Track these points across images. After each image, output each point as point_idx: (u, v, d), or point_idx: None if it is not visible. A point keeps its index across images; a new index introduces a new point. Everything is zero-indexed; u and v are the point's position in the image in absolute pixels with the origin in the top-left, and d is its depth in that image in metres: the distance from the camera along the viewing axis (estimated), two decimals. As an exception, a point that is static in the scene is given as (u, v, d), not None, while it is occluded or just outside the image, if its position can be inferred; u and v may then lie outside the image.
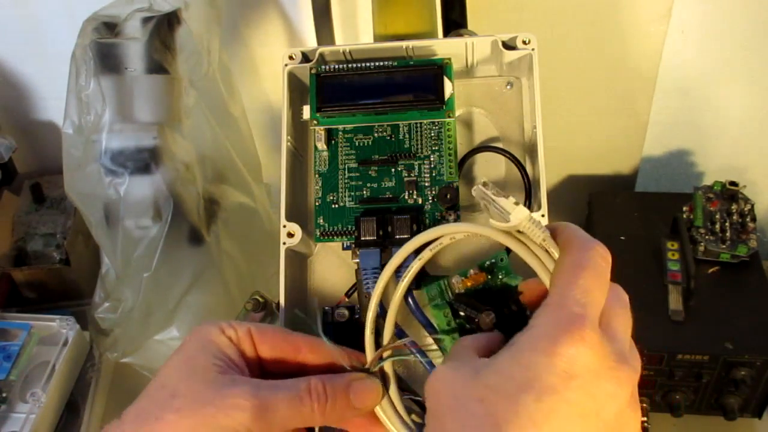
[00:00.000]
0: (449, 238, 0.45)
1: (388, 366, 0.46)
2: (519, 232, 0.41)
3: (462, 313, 0.44)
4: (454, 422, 0.36)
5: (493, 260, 0.45)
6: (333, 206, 0.55)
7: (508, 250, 0.45)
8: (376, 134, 0.55)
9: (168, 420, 0.38)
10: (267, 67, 0.95)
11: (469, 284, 0.45)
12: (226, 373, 0.41)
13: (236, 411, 0.38)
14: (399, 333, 0.49)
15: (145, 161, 0.73)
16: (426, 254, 0.46)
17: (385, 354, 0.45)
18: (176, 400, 0.39)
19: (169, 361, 0.42)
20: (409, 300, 0.52)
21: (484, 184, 0.43)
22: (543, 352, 0.35)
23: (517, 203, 0.41)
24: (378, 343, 0.46)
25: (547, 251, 0.41)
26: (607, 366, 0.36)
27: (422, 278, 0.53)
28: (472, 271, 0.45)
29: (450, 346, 0.43)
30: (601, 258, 0.38)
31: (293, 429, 0.42)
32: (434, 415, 0.37)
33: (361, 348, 0.47)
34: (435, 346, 0.46)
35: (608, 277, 0.39)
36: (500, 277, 0.45)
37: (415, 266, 0.46)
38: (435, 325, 0.45)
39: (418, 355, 0.46)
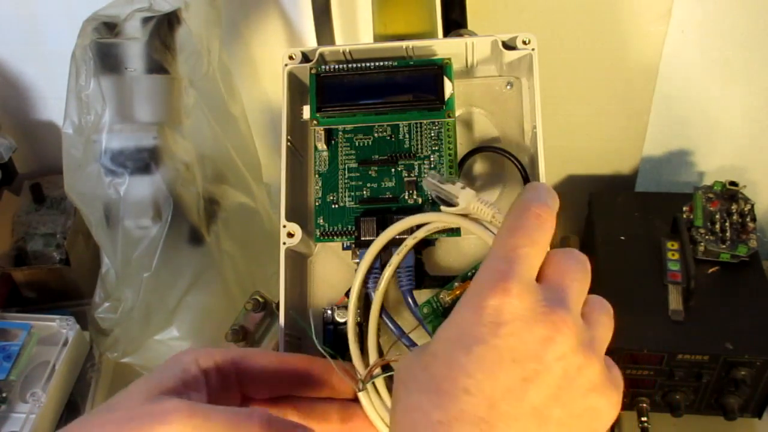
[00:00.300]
0: (412, 238, 0.48)
1: (380, 382, 0.46)
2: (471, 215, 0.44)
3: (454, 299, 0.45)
4: (403, 391, 0.37)
5: (474, 270, 0.46)
6: (333, 206, 0.55)
7: None
8: (376, 134, 0.55)
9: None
10: (267, 67, 0.94)
11: (458, 293, 0.46)
12: (172, 394, 0.40)
13: (165, 426, 0.37)
14: (399, 331, 0.49)
15: (145, 161, 0.73)
16: (394, 260, 0.48)
17: (375, 371, 0.46)
18: (110, 414, 0.39)
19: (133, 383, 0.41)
20: (409, 300, 0.52)
21: (431, 176, 0.46)
22: (471, 308, 0.36)
23: (463, 187, 0.44)
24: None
25: (497, 227, 0.42)
26: (538, 312, 0.36)
27: (423, 278, 0.53)
28: (456, 283, 0.46)
29: None
30: (535, 218, 0.39)
31: None
32: (393, 393, 0.39)
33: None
34: None
35: (543, 234, 0.39)
36: None
37: (387, 274, 0.48)
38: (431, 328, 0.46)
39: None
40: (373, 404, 0.46)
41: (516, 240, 0.38)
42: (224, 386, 0.44)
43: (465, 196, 0.44)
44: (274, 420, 0.39)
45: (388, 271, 0.48)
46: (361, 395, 0.46)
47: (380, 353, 0.48)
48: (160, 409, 0.38)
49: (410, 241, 0.48)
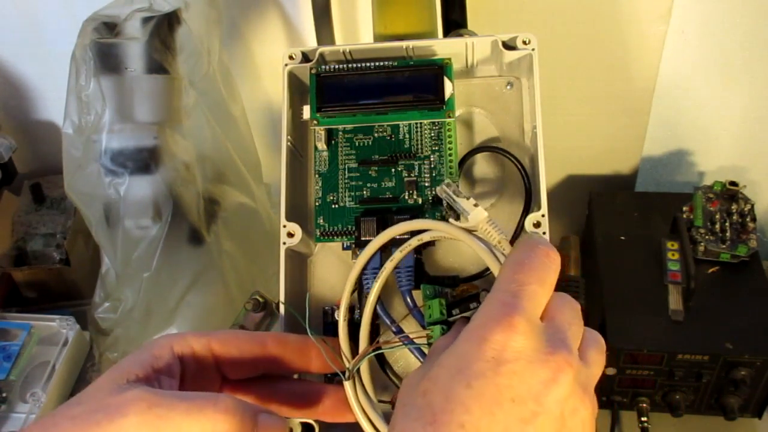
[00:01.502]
0: (416, 239, 0.47)
1: (365, 374, 0.46)
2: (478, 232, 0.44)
3: (459, 300, 0.45)
4: (401, 416, 0.37)
5: (481, 272, 0.48)
6: (333, 206, 0.55)
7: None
8: (376, 134, 0.55)
9: (63, 426, 0.38)
10: (267, 67, 0.94)
11: (464, 287, 0.46)
12: (141, 382, 0.40)
13: (123, 419, 0.37)
14: (397, 329, 0.49)
15: (145, 161, 0.73)
16: (397, 255, 0.48)
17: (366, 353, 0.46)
18: (77, 407, 0.39)
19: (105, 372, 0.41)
20: (408, 299, 0.52)
21: (447, 185, 0.46)
22: (475, 341, 0.36)
23: (476, 205, 0.44)
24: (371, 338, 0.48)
25: (502, 253, 0.43)
26: (542, 352, 0.36)
27: (421, 278, 0.53)
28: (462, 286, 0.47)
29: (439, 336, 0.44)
30: (544, 255, 0.39)
31: None
32: (393, 413, 0.38)
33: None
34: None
35: (550, 274, 0.39)
36: None
37: (388, 268, 0.48)
38: (427, 318, 0.45)
39: (411, 349, 0.46)
40: (357, 394, 0.46)
41: (525, 276, 0.38)
42: (201, 370, 0.44)
43: (476, 216, 0.44)
44: (239, 406, 0.39)
45: (390, 265, 0.48)
46: (346, 384, 0.46)
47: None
48: (120, 401, 0.38)
49: (414, 242, 0.48)
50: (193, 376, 0.43)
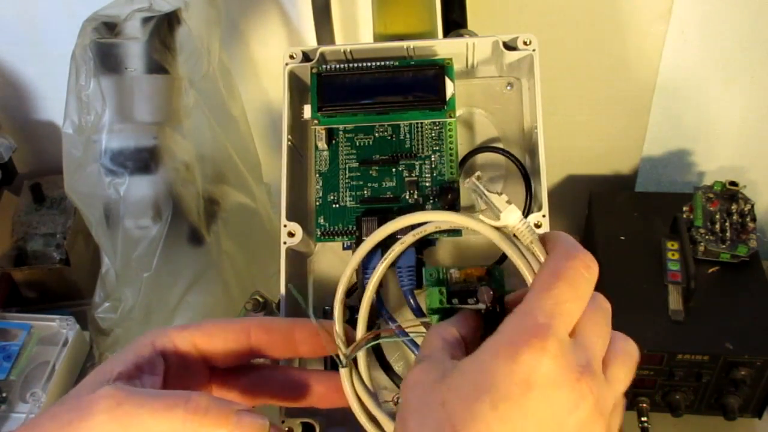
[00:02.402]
0: (434, 225, 0.45)
1: (362, 361, 0.45)
2: (506, 231, 0.41)
3: (459, 289, 0.43)
4: (416, 423, 0.36)
5: (488, 270, 0.44)
6: (333, 206, 0.55)
7: (502, 259, 0.45)
8: (377, 134, 0.55)
9: (44, 426, 0.38)
10: (267, 67, 0.94)
11: (469, 271, 0.44)
12: (123, 379, 0.40)
13: (93, 416, 0.37)
14: (389, 318, 0.49)
15: (145, 161, 0.73)
16: (408, 238, 0.46)
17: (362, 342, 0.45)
18: (59, 406, 0.39)
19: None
20: (410, 299, 0.52)
21: (478, 178, 0.43)
22: (503, 359, 0.35)
23: (509, 202, 0.41)
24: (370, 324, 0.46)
25: (534, 255, 0.41)
26: (569, 378, 0.35)
27: (422, 274, 0.53)
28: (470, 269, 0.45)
29: None
30: (584, 268, 0.38)
31: None
32: (402, 415, 0.37)
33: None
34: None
35: (588, 289, 0.38)
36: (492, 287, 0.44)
37: (397, 249, 0.46)
38: (428, 305, 0.44)
39: (403, 340, 0.46)
40: (353, 383, 0.45)
41: (561, 291, 0.37)
42: (186, 364, 0.43)
43: (509, 214, 0.41)
44: (212, 405, 0.39)
45: (392, 255, 0.46)
46: (342, 372, 0.45)
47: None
48: (92, 398, 0.38)
49: (430, 227, 0.45)
50: (178, 371, 0.43)
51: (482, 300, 0.42)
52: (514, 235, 0.41)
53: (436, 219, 0.44)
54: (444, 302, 0.43)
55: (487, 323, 0.42)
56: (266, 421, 0.40)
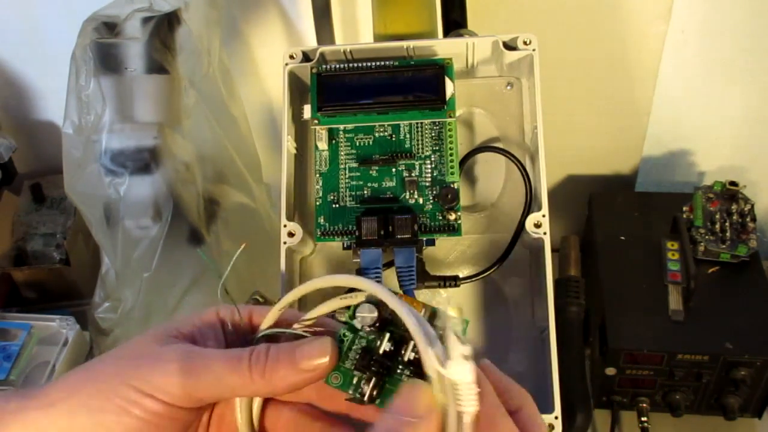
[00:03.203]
0: (367, 295, 0.39)
1: None
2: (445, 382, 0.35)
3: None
4: None
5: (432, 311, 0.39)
6: (333, 206, 0.55)
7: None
8: (376, 134, 0.56)
9: (107, 363, 0.39)
10: (267, 67, 0.94)
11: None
12: (186, 340, 0.40)
13: (165, 364, 0.38)
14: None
15: (145, 161, 0.73)
16: (335, 302, 0.41)
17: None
18: (123, 350, 0.40)
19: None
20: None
21: (460, 312, 0.36)
22: None
23: (467, 359, 0.34)
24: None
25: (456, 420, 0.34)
26: None
27: (424, 276, 0.53)
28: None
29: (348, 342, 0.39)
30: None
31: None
32: None
33: None
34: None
35: None
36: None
37: (321, 309, 0.42)
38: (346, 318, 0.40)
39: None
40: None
41: None
42: (242, 337, 0.43)
43: (458, 369, 0.33)
44: (272, 353, 0.39)
45: (319, 310, 0.42)
46: None
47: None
48: (163, 350, 0.39)
49: (361, 296, 0.40)
50: (234, 344, 0.43)
51: (364, 321, 0.38)
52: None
53: (375, 291, 0.39)
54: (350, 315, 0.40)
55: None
56: (328, 343, 0.38)
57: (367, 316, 0.38)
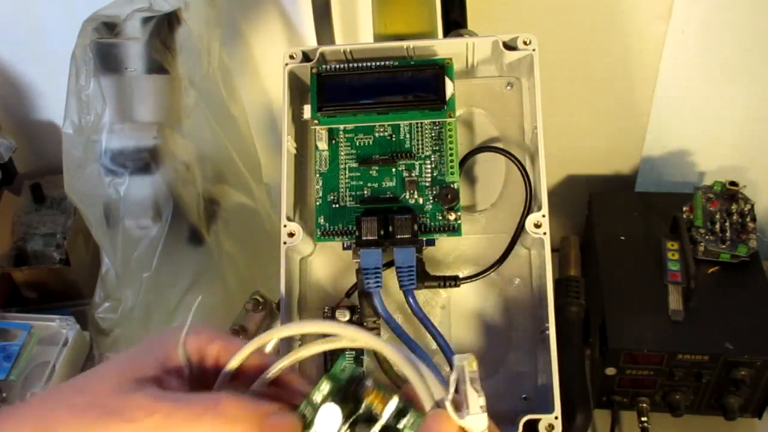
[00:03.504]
0: (348, 342, 0.39)
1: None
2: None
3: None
4: None
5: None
6: (333, 206, 0.55)
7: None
8: (376, 134, 0.56)
9: (60, 414, 0.38)
10: (267, 67, 0.94)
11: (374, 397, 0.38)
12: (150, 382, 0.39)
13: (125, 423, 0.37)
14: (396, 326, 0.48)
15: (145, 161, 0.73)
16: (316, 346, 0.41)
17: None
18: (79, 396, 0.38)
19: (108, 360, 0.41)
20: (410, 300, 0.52)
21: (471, 364, 0.36)
22: None
23: (483, 408, 0.35)
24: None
25: None
26: None
27: (424, 276, 0.53)
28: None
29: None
30: None
31: None
32: None
33: None
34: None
35: None
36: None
37: (302, 353, 0.41)
38: (333, 370, 0.40)
39: None
40: None
41: None
42: (206, 368, 0.43)
43: (476, 420, 0.35)
44: (242, 410, 0.38)
45: (295, 356, 0.41)
46: None
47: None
48: (126, 403, 0.38)
49: (343, 342, 0.40)
50: (198, 374, 0.43)
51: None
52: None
53: (358, 338, 0.39)
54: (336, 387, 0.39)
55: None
56: (298, 421, 0.38)
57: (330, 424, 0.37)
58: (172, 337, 0.42)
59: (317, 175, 0.56)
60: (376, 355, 0.54)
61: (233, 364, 0.41)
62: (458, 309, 0.56)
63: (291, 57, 0.57)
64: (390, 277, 0.54)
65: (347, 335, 0.39)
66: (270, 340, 0.42)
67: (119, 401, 0.38)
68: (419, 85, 0.54)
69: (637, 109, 0.93)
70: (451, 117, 0.54)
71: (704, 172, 0.97)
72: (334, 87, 0.55)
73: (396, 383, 0.53)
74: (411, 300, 0.52)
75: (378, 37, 0.67)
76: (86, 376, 0.40)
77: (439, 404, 0.36)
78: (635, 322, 0.77)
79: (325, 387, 0.38)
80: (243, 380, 0.42)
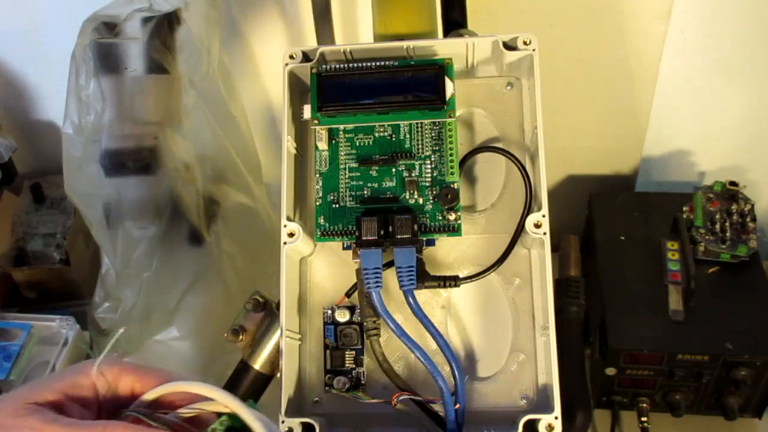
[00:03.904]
0: (217, 406, 0.40)
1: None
2: None
3: None
4: None
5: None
6: (333, 206, 0.55)
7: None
8: (376, 134, 0.56)
9: None
10: (267, 67, 0.94)
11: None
12: (49, 406, 0.40)
13: None
14: (399, 330, 0.49)
15: (145, 161, 0.73)
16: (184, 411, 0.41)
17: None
18: None
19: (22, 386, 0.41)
20: (410, 300, 0.52)
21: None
22: None
23: None
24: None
25: None
26: None
27: (424, 276, 0.53)
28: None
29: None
30: None
31: None
32: None
33: None
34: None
35: None
36: None
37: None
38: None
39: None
40: None
41: None
42: (120, 399, 0.43)
43: None
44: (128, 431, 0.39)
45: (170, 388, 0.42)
46: None
47: None
48: (16, 424, 0.38)
49: (212, 406, 0.40)
50: (109, 404, 0.43)
51: None
52: None
53: (229, 403, 0.40)
54: None
55: None
56: None
57: None
58: (84, 367, 0.42)
59: (317, 175, 0.56)
60: (376, 356, 0.54)
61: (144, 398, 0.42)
62: (458, 309, 0.56)
63: (291, 57, 0.57)
64: (390, 277, 0.54)
65: (222, 400, 0.39)
66: (164, 393, 0.42)
67: (12, 422, 0.38)
68: (419, 85, 0.54)
69: (637, 109, 0.93)
70: (451, 117, 0.54)
71: (704, 172, 0.97)
72: (334, 87, 0.55)
73: (396, 383, 0.53)
74: (411, 300, 0.52)
75: (378, 37, 0.67)
76: None
77: None
78: (635, 322, 0.77)
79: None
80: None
